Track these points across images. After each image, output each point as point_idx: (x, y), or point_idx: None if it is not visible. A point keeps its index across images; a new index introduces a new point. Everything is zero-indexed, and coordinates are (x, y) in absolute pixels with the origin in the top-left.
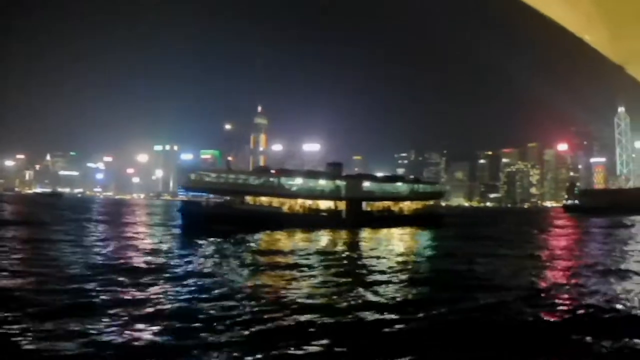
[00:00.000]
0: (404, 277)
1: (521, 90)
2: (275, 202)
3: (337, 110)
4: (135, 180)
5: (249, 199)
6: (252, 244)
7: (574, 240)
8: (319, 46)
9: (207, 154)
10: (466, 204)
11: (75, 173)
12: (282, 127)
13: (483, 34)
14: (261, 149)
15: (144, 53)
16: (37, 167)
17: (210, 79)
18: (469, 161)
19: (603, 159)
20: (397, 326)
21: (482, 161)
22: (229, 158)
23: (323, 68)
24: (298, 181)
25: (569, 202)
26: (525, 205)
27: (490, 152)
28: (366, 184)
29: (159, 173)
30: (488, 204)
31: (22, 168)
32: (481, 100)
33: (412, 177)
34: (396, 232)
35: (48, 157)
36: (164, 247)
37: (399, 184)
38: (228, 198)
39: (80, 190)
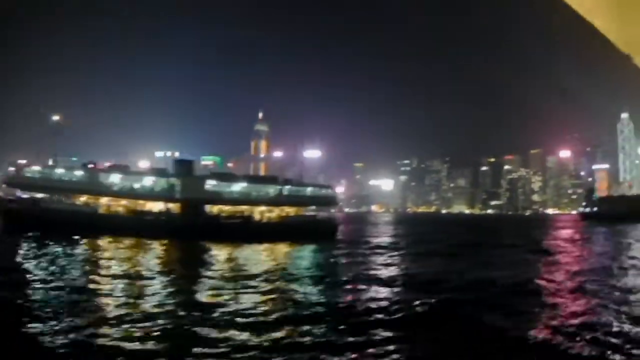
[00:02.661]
0: None
1: (524, 96)
2: (99, 201)
3: (339, 116)
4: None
5: (84, 198)
6: None
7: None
8: (321, 51)
9: (208, 160)
10: (467, 211)
11: None
12: (283, 134)
13: (484, 40)
14: (262, 155)
15: (143, 58)
16: None
17: (210, 85)
18: (471, 168)
19: (606, 166)
20: None
21: (484, 168)
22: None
23: (325, 74)
24: (118, 178)
25: (587, 209)
26: (527, 213)
27: (492, 159)
28: (212, 183)
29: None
30: (489, 211)
31: None
32: (483, 106)
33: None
34: (249, 250)
35: (50, 162)
36: None
37: (261, 185)
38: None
39: None
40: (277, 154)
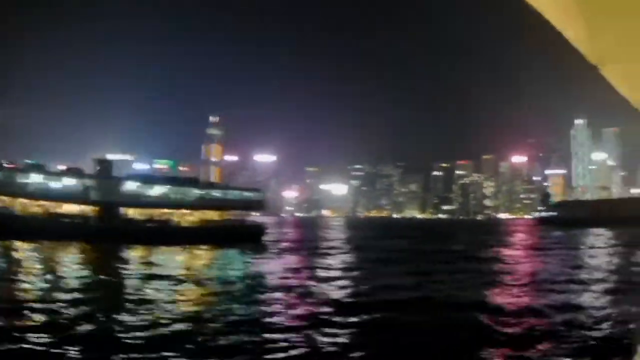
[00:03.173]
0: None
1: (478, 102)
2: (15, 202)
3: (293, 121)
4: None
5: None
6: None
7: None
8: (277, 56)
9: (161, 164)
10: (419, 216)
11: None
12: (237, 138)
13: (440, 45)
14: (214, 159)
15: (98, 59)
16: None
17: (167, 89)
18: (423, 173)
19: (560, 171)
20: None
21: (436, 173)
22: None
23: (280, 79)
24: (37, 178)
25: (544, 214)
26: (479, 217)
27: (445, 164)
28: (130, 186)
29: None
30: (441, 215)
31: None
32: (437, 113)
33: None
34: (162, 254)
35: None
36: None
37: (182, 188)
38: None
39: None
40: (230, 158)
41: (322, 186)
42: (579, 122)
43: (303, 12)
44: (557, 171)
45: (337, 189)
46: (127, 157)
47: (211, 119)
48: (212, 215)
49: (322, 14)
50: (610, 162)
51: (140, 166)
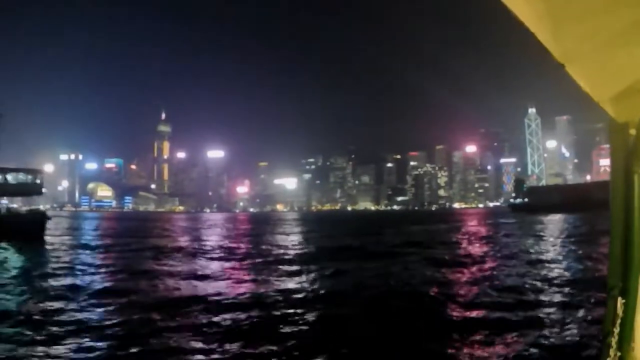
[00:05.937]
0: None
1: (429, 93)
2: None
3: (242, 115)
4: (44, 190)
5: None
6: None
7: None
8: (224, 50)
9: (110, 163)
10: (373, 208)
11: None
12: (186, 134)
13: (389, 38)
14: (165, 157)
15: (42, 57)
16: None
17: (113, 85)
18: (376, 164)
19: (513, 159)
20: None
21: (389, 164)
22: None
23: (228, 74)
24: None
25: (517, 200)
26: (433, 208)
27: (397, 156)
28: None
29: (64, 183)
30: (395, 207)
31: None
32: (388, 104)
33: None
34: None
35: None
36: None
37: None
38: None
39: None
40: (180, 154)
41: (276, 181)
42: (532, 110)
43: (250, 5)
44: (509, 160)
45: (290, 183)
46: (79, 156)
47: (162, 115)
48: None
49: (270, 6)
50: (563, 150)
51: (90, 165)
